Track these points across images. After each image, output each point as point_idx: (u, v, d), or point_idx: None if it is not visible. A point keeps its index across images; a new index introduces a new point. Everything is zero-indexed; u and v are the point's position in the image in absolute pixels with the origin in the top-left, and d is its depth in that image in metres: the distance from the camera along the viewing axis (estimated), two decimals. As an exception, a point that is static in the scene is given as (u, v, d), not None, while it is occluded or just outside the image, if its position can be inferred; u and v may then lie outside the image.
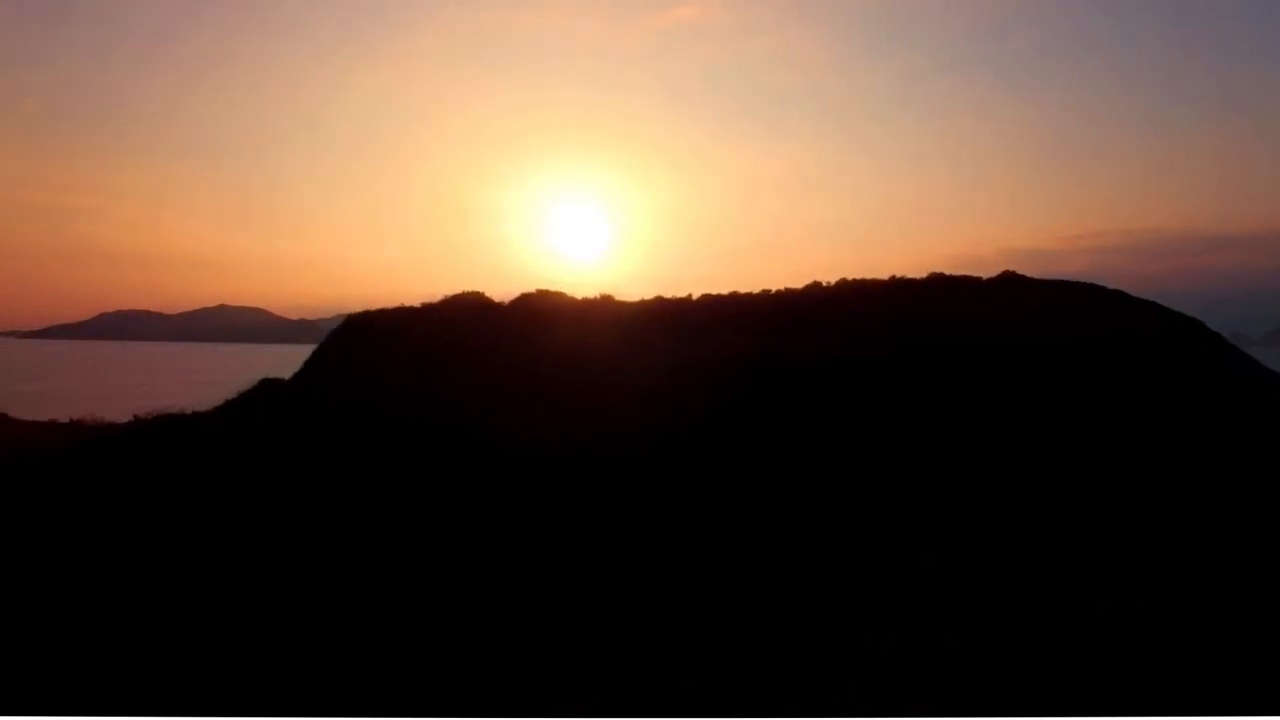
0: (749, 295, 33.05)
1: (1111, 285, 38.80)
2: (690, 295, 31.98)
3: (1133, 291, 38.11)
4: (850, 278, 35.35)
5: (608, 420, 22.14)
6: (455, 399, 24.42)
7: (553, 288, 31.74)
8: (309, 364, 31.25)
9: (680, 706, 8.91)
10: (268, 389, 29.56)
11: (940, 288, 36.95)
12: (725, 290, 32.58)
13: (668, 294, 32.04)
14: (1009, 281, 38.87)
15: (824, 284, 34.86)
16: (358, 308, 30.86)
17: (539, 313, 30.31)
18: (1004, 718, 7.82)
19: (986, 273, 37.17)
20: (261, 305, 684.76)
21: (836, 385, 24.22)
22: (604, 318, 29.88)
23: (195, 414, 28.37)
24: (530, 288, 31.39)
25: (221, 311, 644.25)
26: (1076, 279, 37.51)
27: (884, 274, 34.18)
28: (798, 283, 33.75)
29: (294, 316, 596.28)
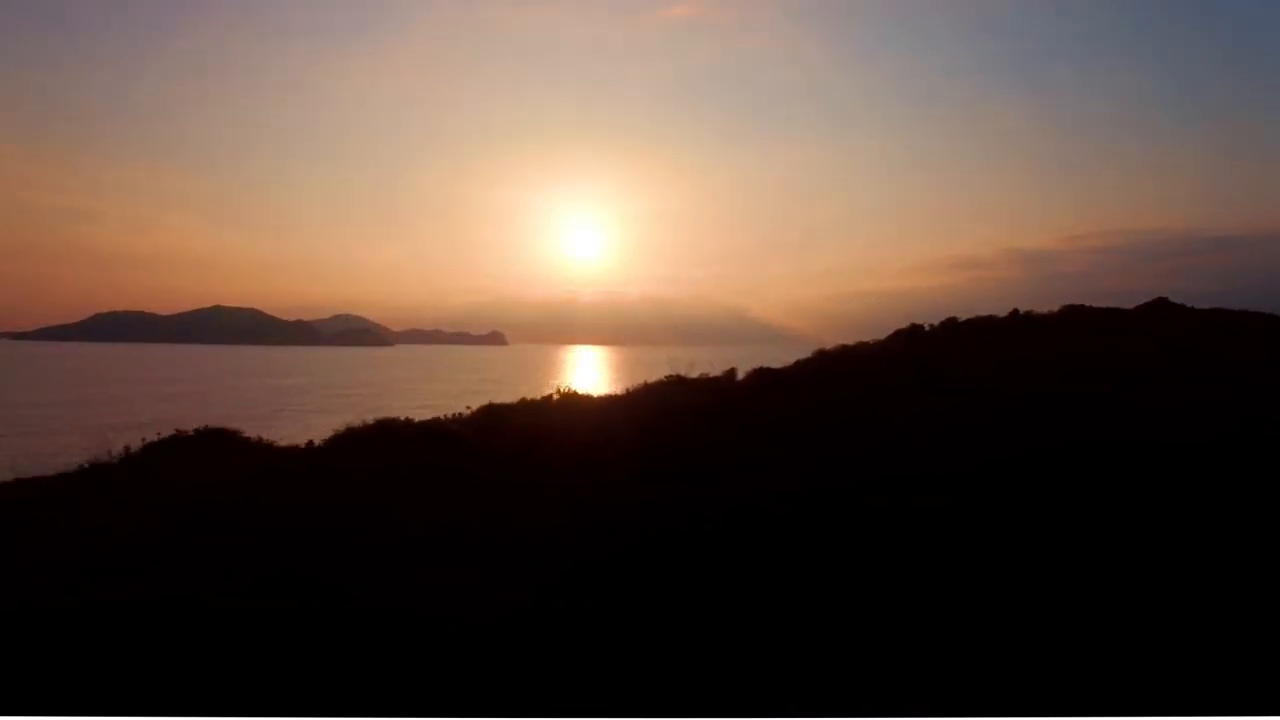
0: (825, 361, 16.83)
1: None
2: (734, 371, 15.45)
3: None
4: (962, 317, 20.19)
5: None
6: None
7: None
8: None
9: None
10: None
11: (1086, 323, 22.23)
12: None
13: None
14: (1160, 314, 24.92)
15: (926, 328, 19.47)
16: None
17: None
18: (1004, 718, 6.85)
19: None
20: (257, 306, 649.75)
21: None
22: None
23: None
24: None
25: (217, 312, 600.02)
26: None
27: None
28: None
29: (290, 317, 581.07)
